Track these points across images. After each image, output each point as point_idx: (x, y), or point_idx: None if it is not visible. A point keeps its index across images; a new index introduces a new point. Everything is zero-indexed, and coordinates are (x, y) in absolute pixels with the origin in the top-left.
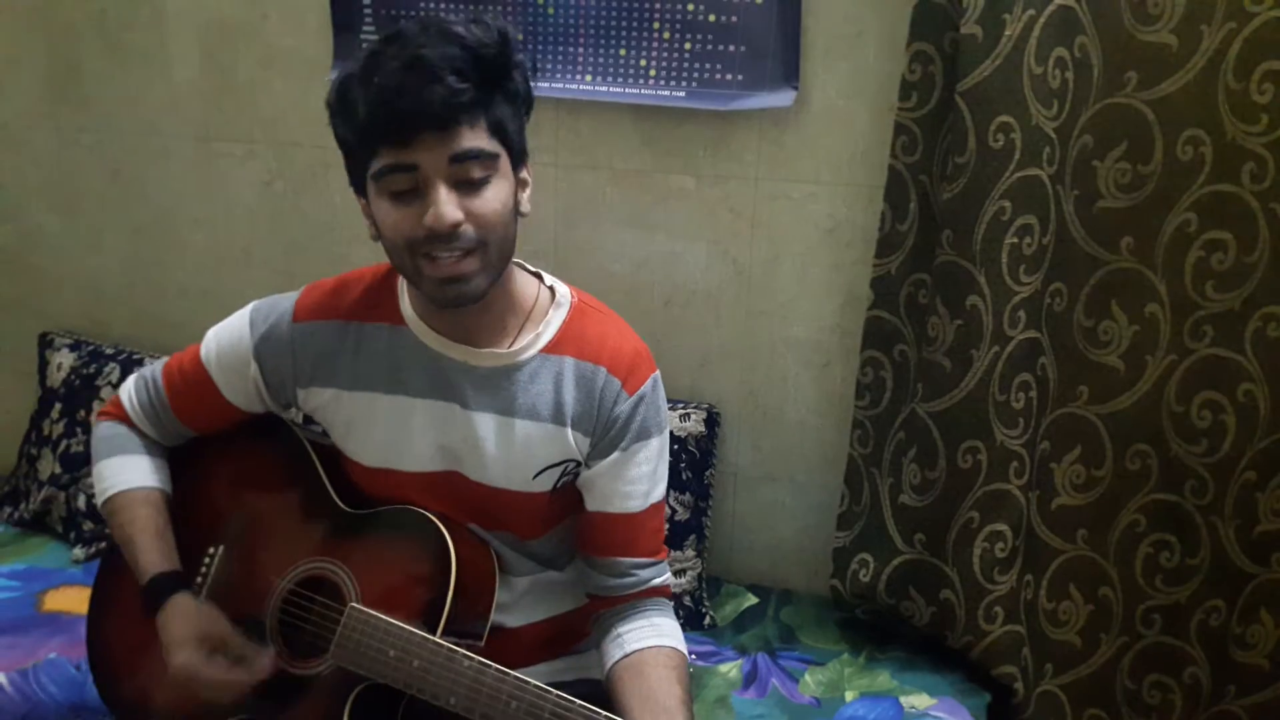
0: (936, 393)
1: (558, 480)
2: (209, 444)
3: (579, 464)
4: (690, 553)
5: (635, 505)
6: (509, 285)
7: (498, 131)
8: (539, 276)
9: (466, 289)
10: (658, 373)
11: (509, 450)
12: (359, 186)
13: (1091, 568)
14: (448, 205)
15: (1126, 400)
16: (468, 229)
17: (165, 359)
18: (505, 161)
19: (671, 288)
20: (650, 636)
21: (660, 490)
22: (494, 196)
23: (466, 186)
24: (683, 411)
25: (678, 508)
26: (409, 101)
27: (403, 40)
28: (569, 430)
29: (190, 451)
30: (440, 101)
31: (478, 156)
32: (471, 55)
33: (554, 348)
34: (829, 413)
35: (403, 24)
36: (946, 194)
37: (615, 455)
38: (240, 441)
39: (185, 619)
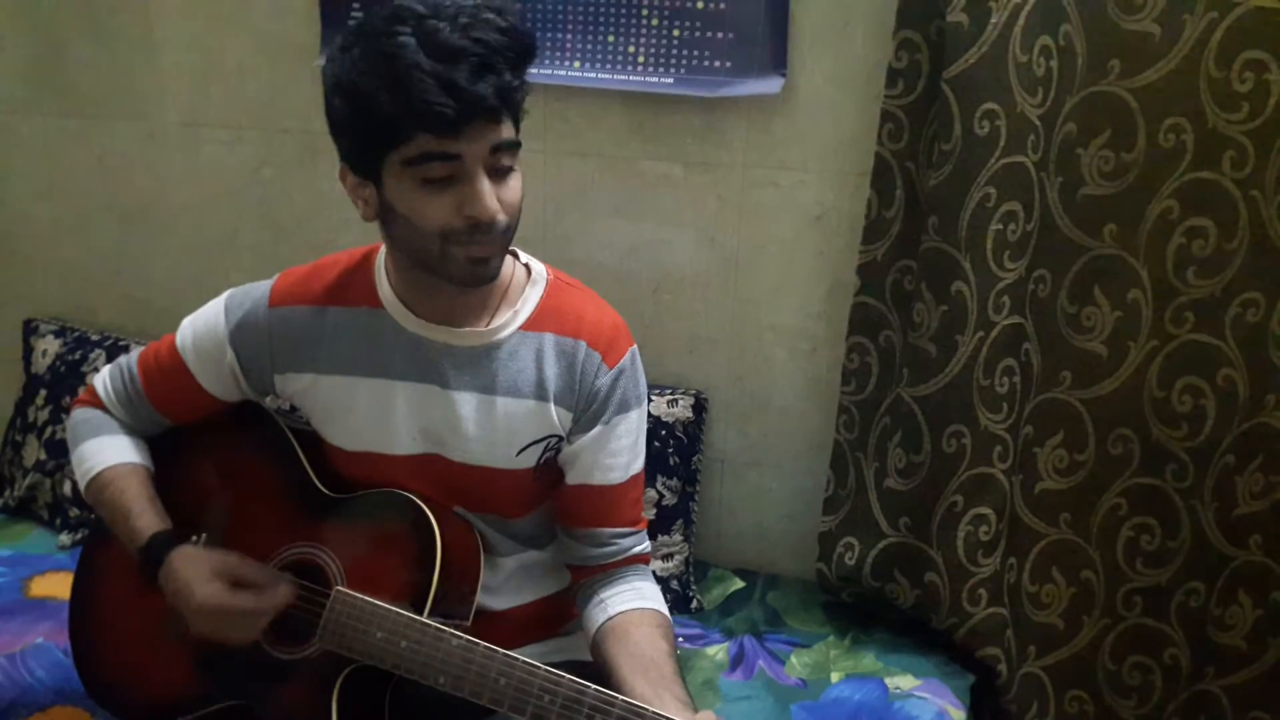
0: (921, 378)
1: (540, 456)
2: (189, 432)
3: (561, 439)
4: (677, 537)
5: (616, 477)
6: None
7: (517, 121)
8: (514, 254)
9: (489, 270)
10: (635, 346)
11: (491, 428)
12: (366, 168)
13: (1074, 551)
14: (491, 197)
15: (1109, 385)
16: (502, 218)
17: (141, 348)
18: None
19: (660, 275)
20: (633, 599)
21: (640, 462)
22: (518, 185)
23: (496, 175)
24: (670, 397)
25: (665, 492)
26: (469, 91)
27: (428, 21)
28: (551, 405)
29: (171, 440)
30: (496, 93)
31: (512, 147)
32: (517, 44)
33: (533, 324)
34: (815, 398)
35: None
36: (932, 181)
37: (598, 429)
38: (221, 429)
39: (196, 562)
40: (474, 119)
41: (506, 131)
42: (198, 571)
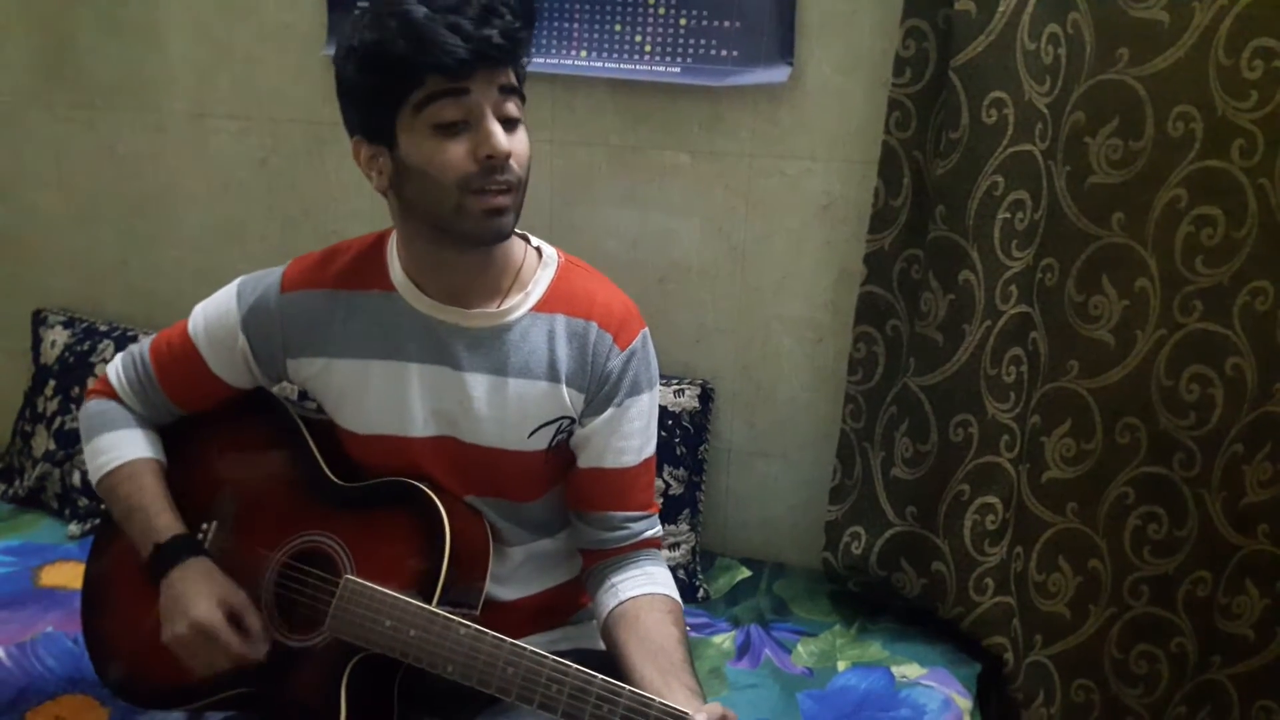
0: (928, 367)
1: (553, 438)
2: (199, 420)
3: (573, 421)
4: (684, 527)
5: (629, 460)
6: (503, 243)
7: (520, 78)
8: (525, 238)
9: (504, 223)
10: (647, 329)
11: (503, 409)
12: (380, 132)
13: (1081, 540)
14: (503, 136)
15: (1116, 374)
16: (513, 164)
17: (153, 335)
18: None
19: (666, 264)
20: (644, 584)
21: (652, 445)
22: (525, 139)
23: (506, 124)
24: (677, 387)
25: (672, 482)
26: (476, 34)
27: None
28: (564, 387)
29: (181, 428)
30: (502, 34)
31: (517, 93)
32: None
33: (544, 305)
34: (822, 388)
35: None
36: (940, 169)
37: (610, 412)
38: (230, 417)
39: (207, 579)
40: (482, 61)
41: (513, 79)
42: (208, 589)
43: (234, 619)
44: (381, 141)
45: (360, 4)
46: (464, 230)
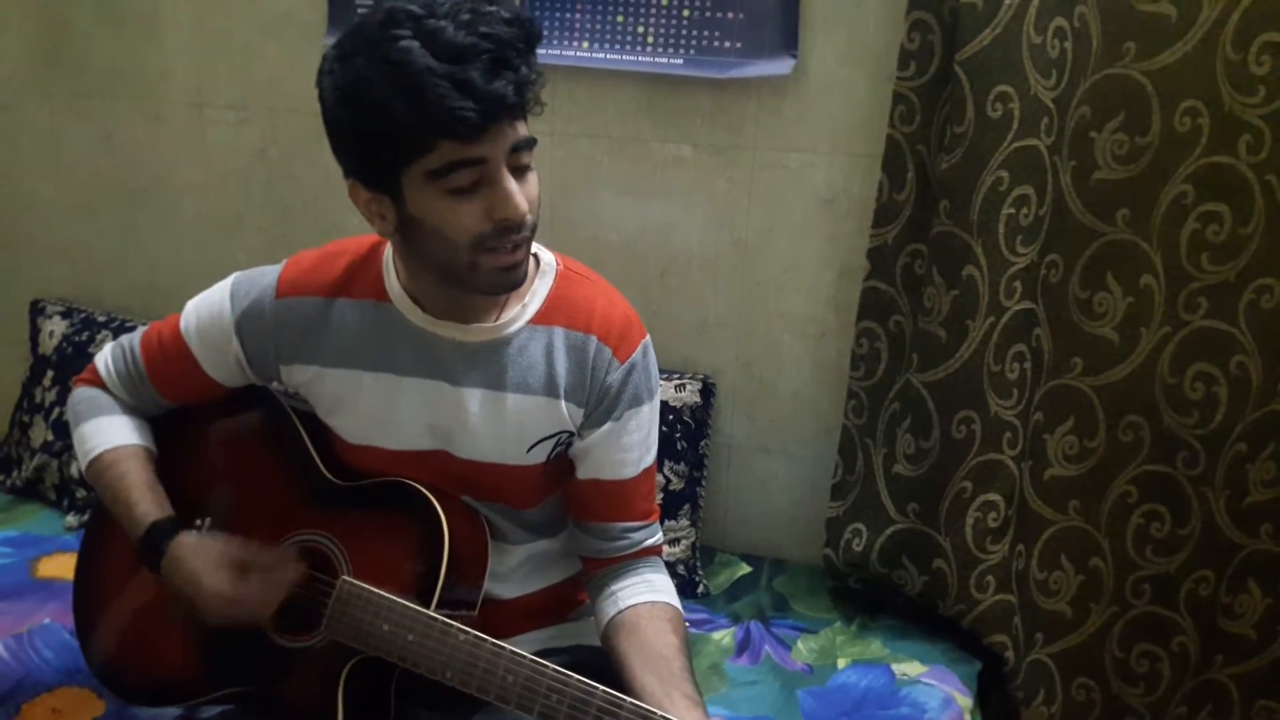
0: (931, 363)
1: (551, 451)
2: (194, 414)
3: (572, 434)
4: (684, 522)
5: (628, 472)
6: None
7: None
8: None
9: (518, 275)
10: (648, 338)
11: (500, 425)
12: (382, 182)
13: (1083, 538)
14: (520, 196)
15: (1120, 372)
16: (528, 217)
17: (144, 328)
18: None
19: (668, 257)
20: (644, 592)
21: (652, 455)
22: (536, 181)
23: (517, 173)
24: (678, 382)
25: (672, 478)
26: (486, 90)
27: (427, 21)
28: (562, 402)
29: (175, 421)
30: (515, 89)
31: (529, 145)
32: (524, 33)
33: (542, 317)
34: (824, 384)
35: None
36: (944, 164)
37: (609, 425)
38: (227, 412)
39: (199, 551)
40: (496, 118)
41: (523, 129)
42: (203, 562)
43: (244, 569)
44: (384, 191)
45: (360, 3)
46: (476, 283)
